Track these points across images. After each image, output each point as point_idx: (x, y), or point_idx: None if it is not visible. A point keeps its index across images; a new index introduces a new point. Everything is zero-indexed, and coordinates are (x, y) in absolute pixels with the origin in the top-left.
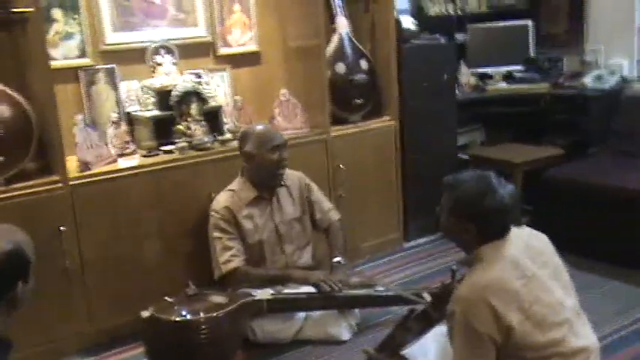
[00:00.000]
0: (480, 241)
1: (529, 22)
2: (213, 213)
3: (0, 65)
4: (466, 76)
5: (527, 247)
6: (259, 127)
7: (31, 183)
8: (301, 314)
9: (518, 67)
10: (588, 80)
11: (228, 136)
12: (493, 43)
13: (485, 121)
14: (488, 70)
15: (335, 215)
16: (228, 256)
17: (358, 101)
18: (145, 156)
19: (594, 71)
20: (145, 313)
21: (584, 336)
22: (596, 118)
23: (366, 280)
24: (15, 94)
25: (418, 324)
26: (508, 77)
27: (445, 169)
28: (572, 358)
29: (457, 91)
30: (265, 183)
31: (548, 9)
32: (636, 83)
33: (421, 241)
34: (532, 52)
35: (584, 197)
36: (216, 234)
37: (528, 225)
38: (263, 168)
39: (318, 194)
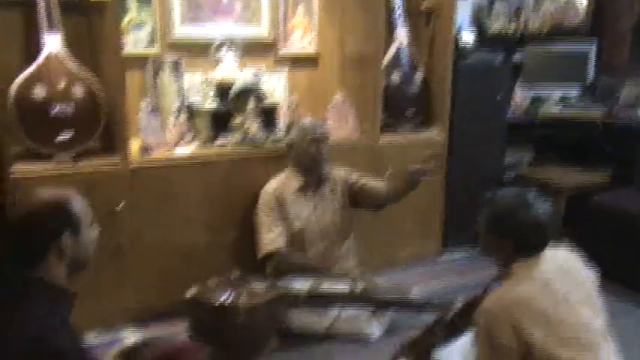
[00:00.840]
0: (514, 258)
1: (591, 47)
2: (262, 195)
3: (76, 48)
4: (520, 97)
5: (559, 268)
6: (304, 120)
7: (95, 162)
8: (335, 310)
9: (575, 92)
10: None
11: (280, 134)
12: (551, 64)
13: (534, 143)
14: (544, 91)
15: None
16: (272, 238)
17: (410, 112)
18: (200, 147)
19: None
20: (189, 294)
21: (607, 356)
22: None
23: (400, 286)
24: (89, 76)
25: (443, 331)
26: (563, 100)
27: (489, 187)
28: None
29: (509, 112)
30: (308, 172)
31: (613, 33)
32: None
33: (459, 255)
34: (591, 77)
35: (627, 226)
36: (263, 216)
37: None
38: (304, 159)
39: (360, 175)
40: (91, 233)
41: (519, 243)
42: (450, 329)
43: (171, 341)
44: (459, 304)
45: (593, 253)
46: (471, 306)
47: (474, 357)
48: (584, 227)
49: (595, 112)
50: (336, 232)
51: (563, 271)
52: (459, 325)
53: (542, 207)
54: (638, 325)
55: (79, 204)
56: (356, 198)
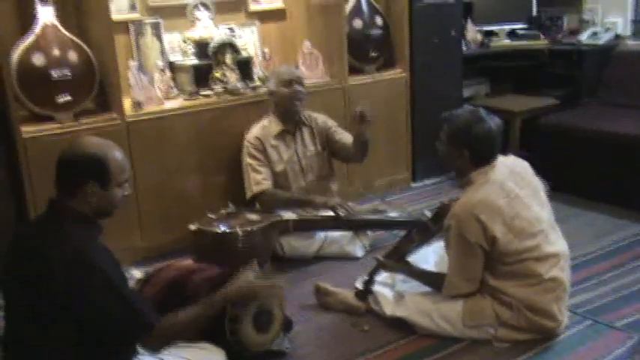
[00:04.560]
0: (471, 167)
1: None
2: (246, 142)
3: (65, 16)
4: (472, 32)
5: (511, 172)
6: (279, 67)
7: (94, 119)
8: (321, 234)
9: (522, 25)
10: (584, 37)
11: (257, 82)
12: (498, 1)
13: (489, 75)
14: (494, 27)
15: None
16: (259, 179)
17: (373, 54)
18: (186, 99)
19: (591, 28)
20: (192, 227)
21: (556, 244)
22: (590, 71)
23: (376, 206)
24: (81, 42)
25: (420, 235)
26: (511, 34)
27: None
28: (544, 261)
29: (464, 47)
30: (287, 116)
31: None
32: (628, 40)
33: (427, 181)
34: (535, 11)
35: (574, 141)
36: (249, 160)
37: None
38: (281, 101)
39: (337, 127)
40: (117, 192)
41: (475, 153)
42: (424, 233)
43: (184, 263)
44: (428, 214)
45: (546, 168)
46: (442, 211)
47: (448, 255)
48: (537, 147)
49: (541, 41)
50: (317, 171)
51: (514, 173)
52: (432, 228)
53: (493, 121)
54: (585, 224)
55: (114, 163)
56: (329, 148)
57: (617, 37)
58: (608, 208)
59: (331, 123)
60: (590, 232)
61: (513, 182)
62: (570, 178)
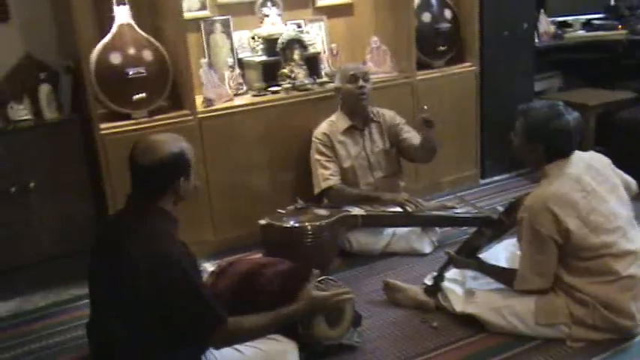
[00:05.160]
0: (546, 160)
1: None
2: (314, 139)
3: (139, 15)
4: (545, 24)
5: (588, 167)
6: (344, 64)
7: (168, 115)
8: (389, 230)
9: (598, 15)
10: None
11: (325, 78)
12: None
13: (563, 68)
14: (568, 18)
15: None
16: (327, 175)
17: (442, 48)
18: (255, 95)
19: None
20: (262, 221)
21: (635, 241)
22: None
23: (445, 203)
24: (155, 41)
25: (491, 229)
26: (587, 25)
27: None
28: (622, 258)
29: (536, 40)
30: (355, 112)
31: None
32: None
33: (496, 178)
34: (611, 1)
35: None
36: (317, 156)
37: None
38: (347, 98)
39: (405, 125)
40: (195, 179)
41: (551, 147)
42: (496, 227)
43: (255, 257)
44: (501, 209)
45: (622, 164)
46: (515, 205)
47: (520, 249)
48: (613, 142)
49: (620, 32)
50: (385, 168)
51: (591, 168)
52: (505, 221)
53: (571, 115)
54: None
55: (190, 153)
56: (397, 145)
57: None
58: None
59: (399, 120)
60: None
61: (590, 177)
62: None
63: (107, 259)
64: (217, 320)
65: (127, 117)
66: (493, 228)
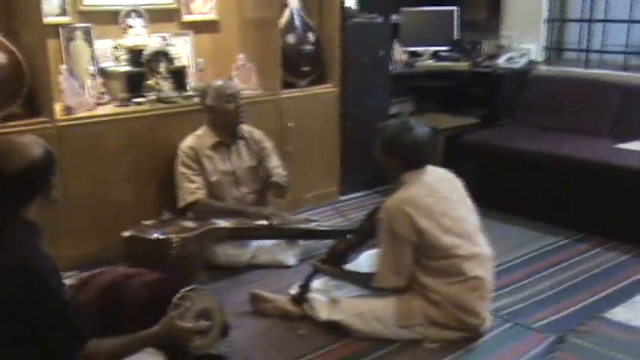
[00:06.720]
0: (403, 170)
1: (455, 9)
2: (180, 152)
3: None
4: (399, 52)
5: (440, 179)
6: (217, 82)
7: (23, 122)
8: (254, 243)
9: (444, 48)
10: (501, 61)
11: (190, 92)
12: (423, 25)
13: (414, 94)
14: (419, 48)
15: (281, 172)
16: (192, 189)
17: (305, 69)
18: (118, 106)
19: (507, 54)
20: (126, 233)
21: (481, 246)
22: (506, 93)
23: (307, 219)
24: (10, 44)
25: (355, 235)
26: (435, 56)
27: None
28: (471, 259)
29: (391, 66)
30: (225, 130)
31: None
32: (541, 65)
33: (355, 195)
34: (456, 35)
35: (491, 158)
36: (183, 169)
37: None
38: (222, 116)
39: (271, 152)
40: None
41: (405, 158)
42: (359, 232)
43: (119, 269)
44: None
45: (467, 183)
46: (376, 210)
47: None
48: (459, 162)
49: (463, 64)
50: (251, 184)
51: (443, 179)
52: (366, 226)
53: (421, 129)
54: (502, 236)
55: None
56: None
57: (531, 62)
58: (522, 222)
59: (267, 145)
60: (507, 243)
61: (442, 186)
62: (489, 192)
63: None
64: (80, 341)
65: None
66: (357, 234)
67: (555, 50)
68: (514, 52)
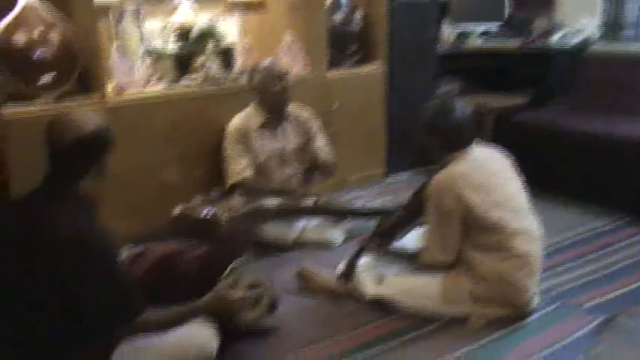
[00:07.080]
0: (446, 152)
1: None
2: (228, 132)
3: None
4: (447, 32)
5: (489, 157)
6: (264, 63)
7: (76, 101)
8: (301, 222)
9: (494, 27)
10: (555, 38)
11: (237, 73)
12: (473, 3)
13: (462, 73)
14: (469, 26)
15: (327, 153)
16: (240, 169)
17: (352, 49)
18: (166, 86)
19: (561, 31)
20: (175, 211)
21: (531, 223)
22: (559, 73)
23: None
24: (63, 23)
25: (403, 214)
26: (485, 34)
27: None
28: (519, 235)
29: (439, 46)
30: (272, 111)
31: None
32: (597, 43)
33: (402, 177)
34: (508, 13)
35: (543, 139)
36: (230, 149)
37: None
38: (269, 98)
39: (317, 133)
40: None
41: (446, 140)
42: (406, 211)
43: (167, 245)
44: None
45: (516, 161)
46: (421, 189)
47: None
48: (508, 143)
49: (512, 43)
50: (298, 164)
51: (492, 157)
52: (413, 205)
53: (461, 112)
54: (552, 217)
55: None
56: None
57: (587, 39)
58: (573, 203)
59: (314, 125)
60: (558, 225)
61: (491, 164)
62: (539, 173)
63: (14, 246)
64: (138, 310)
65: (30, 101)
66: (403, 212)
67: (613, 27)
68: (568, 28)
